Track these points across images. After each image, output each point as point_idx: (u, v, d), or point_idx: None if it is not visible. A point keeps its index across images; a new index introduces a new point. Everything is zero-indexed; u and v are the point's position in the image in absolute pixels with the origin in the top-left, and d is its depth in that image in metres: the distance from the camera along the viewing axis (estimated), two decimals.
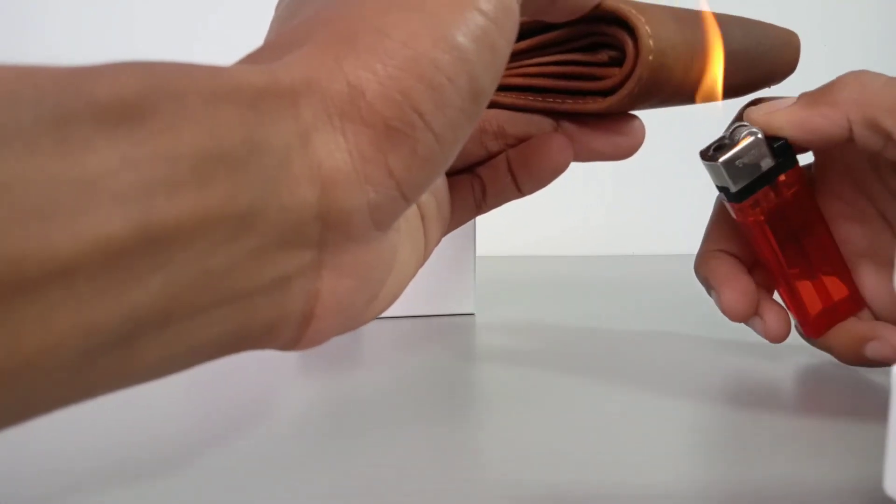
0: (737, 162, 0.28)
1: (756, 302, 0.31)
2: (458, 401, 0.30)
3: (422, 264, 0.23)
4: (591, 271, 0.65)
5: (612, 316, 0.46)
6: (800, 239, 0.31)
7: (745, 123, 0.28)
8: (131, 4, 0.70)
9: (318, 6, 0.18)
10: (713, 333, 0.41)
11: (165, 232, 0.13)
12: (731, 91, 0.28)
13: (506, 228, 0.75)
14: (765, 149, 0.28)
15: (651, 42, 0.23)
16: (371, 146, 0.16)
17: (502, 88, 0.26)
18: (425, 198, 0.23)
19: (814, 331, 0.32)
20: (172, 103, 0.13)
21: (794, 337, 0.32)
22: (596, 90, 0.25)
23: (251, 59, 0.17)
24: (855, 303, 0.32)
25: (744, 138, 0.28)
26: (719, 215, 0.33)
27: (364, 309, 0.19)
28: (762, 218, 0.30)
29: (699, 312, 0.46)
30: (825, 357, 0.34)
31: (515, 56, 0.26)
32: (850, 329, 0.31)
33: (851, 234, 0.31)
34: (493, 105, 0.26)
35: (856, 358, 0.31)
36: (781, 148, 0.28)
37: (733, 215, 0.31)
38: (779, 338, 0.31)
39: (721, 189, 0.30)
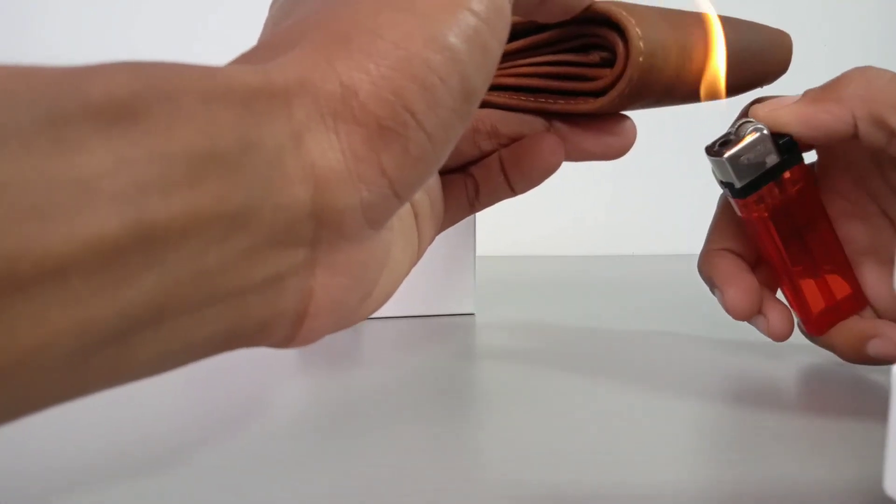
0: (742, 158, 0.28)
1: (759, 300, 0.31)
2: (458, 401, 0.30)
3: (415, 262, 0.23)
4: (591, 271, 0.65)
5: (613, 316, 0.46)
6: (803, 236, 0.31)
7: (751, 120, 0.29)
8: (131, 4, 0.70)
9: (312, 7, 0.18)
10: (713, 333, 0.41)
11: (159, 231, 0.13)
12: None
13: (506, 228, 0.75)
14: (770, 145, 0.28)
15: (641, 44, 0.23)
16: (364, 145, 0.16)
17: (494, 88, 0.27)
18: (419, 196, 0.24)
19: (816, 329, 0.32)
20: (166, 103, 0.13)
21: (795, 336, 0.32)
22: (587, 91, 0.25)
23: (245, 58, 0.17)
24: (857, 301, 0.32)
25: (749, 134, 0.28)
26: (723, 214, 0.33)
27: (358, 307, 0.19)
28: (766, 214, 0.30)
29: (699, 312, 0.46)
30: (826, 357, 0.34)
31: (508, 56, 0.26)
32: (852, 327, 0.31)
33: (854, 232, 0.31)
34: (485, 105, 0.26)
35: (858, 356, 0.31)
36: (786, 144, 0.29)
37: (738, 212, 0.31)
38: (782, 336, 0.31)
39: (726, 185, 0.30)
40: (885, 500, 0.17)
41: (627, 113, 0.27)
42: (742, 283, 0.31)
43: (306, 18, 0.17)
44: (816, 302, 0.31)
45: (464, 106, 0.17)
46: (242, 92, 0.14)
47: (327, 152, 0.16)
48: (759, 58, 0.29)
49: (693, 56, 0.25)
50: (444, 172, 0.26)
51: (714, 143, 0.29)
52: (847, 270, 0.32)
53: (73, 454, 0.24)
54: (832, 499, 0.21)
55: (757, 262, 0.33)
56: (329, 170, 0.16)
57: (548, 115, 0.26)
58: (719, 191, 0.33)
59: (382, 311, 0.43)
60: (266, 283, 0.15)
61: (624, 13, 0.23)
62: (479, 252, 0.46)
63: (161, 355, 0.14)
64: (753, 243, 0.32)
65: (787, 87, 0.32)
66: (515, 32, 0.26)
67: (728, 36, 0.27)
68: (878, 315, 0.32)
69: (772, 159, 0.29)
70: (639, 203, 0.79)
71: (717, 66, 0.26)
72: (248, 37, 0.19)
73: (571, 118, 0.26)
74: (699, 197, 0.79)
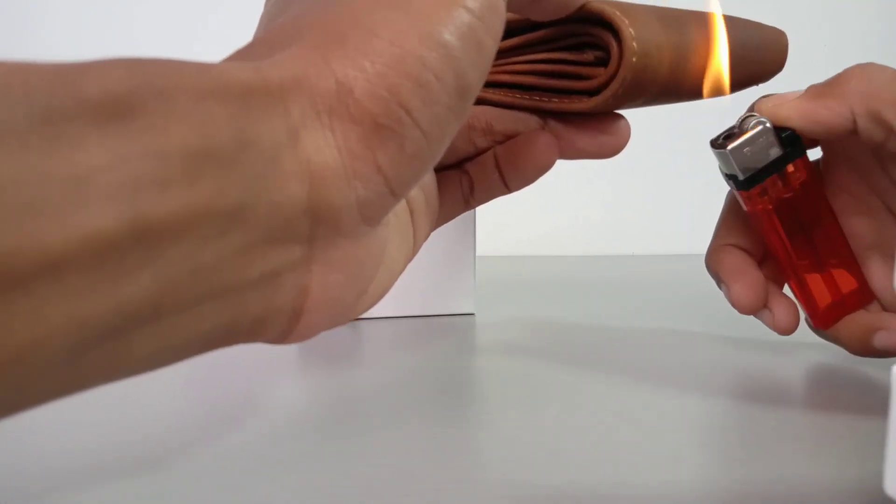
0: (745, 150, 0.29)
1: (765, 295, 0.32)
2: (458, 401, 0.30)
3: (411, 259, 0.24)
4: (591, 271, 0.65)
5: (613, 316, 0.46)
6: (808, 231, 0.31)
7: (755, 114, 0.29)
8: (131, 4, 0.70)
9: (307, 4, 0.18)
10: (714, 333, 0.41)
11: (155, 228, 0.13)
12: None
13: (506, 228, 0.75)
14: (772, 138, 0.29)
15: (635, 44, 0.23)
16: (359, 143, 0.16)
17: (489, 85, 0.27)
18: (414, 193, 0.24)
19: (823, 323, 0.32)
20: (162, 100, 0.13)
21: (799, 334, 0.32)
22: (581, 90, 0.25)
23: (240, 55, 0.17)
24: (864, 295, 0.32)
25: (752, 128, 0.29)
26: (730, 210, 0.34)
27: (354, 303, 0.19)
28: (770, 207, 0.30)
29: (700, 312, 0.46)
30: (829, 355, 0.34)
31: (503, 53, 0.26)
32: (858, 320, 0.32)
33: (859, 227, 0.32)
34: (480, 101, 0.26)
35: (864, 349, 0.31)
36: (789, 138, 0.29)
37: (743, 205, 0.31)
38: (787, 330, 0.32)
39: (730, 177, 0.31)
40: (885, 500, 0.17)
41: (625, 112, 0.27)
42: (748, 277, 0.32)
43: (302, 15, 0.18)
44: (823, 296, 0.32)
45: (459, 103, 0.17)
46: (238, 89, 0.14)
47: (323, 149, 0.16)
48: (755, 56, 0.29)
49: (688, 55, 0.25)
50: (440, 169, 0.27)
51: (718, 137, 0.30)
52: (853, 265, 0.32)
53: (72, 453, 0.24)
54: (832, 499, 0.21)
55: (764, 258, 0.33)
56: (325, 167, 0.16)
57: (542, 114, 0.26)
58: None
59: (382, 311, 0.44)
60: (262, 280, 0.16)
61: (618, 13, 0.23)
62: (479, 252, 0.46)
63: (158, 351, 0.14)
64: (760, 238, 0.33)
65: (787, 87, 0.32)
66: (510, 30, 0.26)
67: (729, 32, 0.27)
68: (885, 309, 0.32)
69: (774, 152, 0.29)
70: (639, 203, 0.79)
71: (721, 62, 0.26)
72: (247, 37, 0.19)
73: (566, 116, 0.26)
74: (699, 197, 0.79)
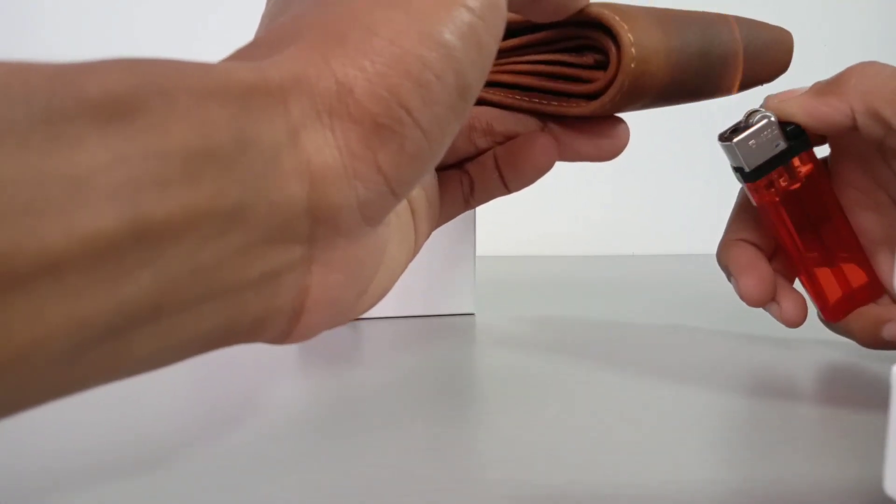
0: (750, 143, 0.30)
1: (773, 288, 0.32)
2: (458, 401, 0.30)
3: (412, 259, 0.24)
4: (591, 271, 0.65)
5: (613, 316, 0.46)
6: (817, 225, 0.32)
7: (761, 109, 0.31)
8: (131, 4, 0.70)
9: (308, 3, 0.18)
10: (714, 333, 0.41)
11: (155, 228, 0.13)
12: (720, 89, 0.28)
13: (506, 228, 0.75)
14: (777, 131, 0.30)
15: (633, 50, 0.23)
16: (360, 143, 0.16)
17: (489, 84, 0.27)
18: (416, 192, 0.24)
19: (833, 316, 0.33)
20: (162, 100, 0.13)
21: (800, 331, 0.32)
22: (580, 93, 0.25)
23: (240, 54, 0.17)
24: (874, 289, 0.33)
25: (757, 121, 0.30)
26: (741, 207, 0.35)
27: (354, 303, 0.19)
28: (777, 199, 0.31)
29: (700, 312, 0.46)
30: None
31: (503, 53, 0.26)
32: (868, 313, 0.32)
33: (868, 222, 0.32)
34: (479, 102, 0.26)
35: (874, 341, 0.32)
36: (794, 132, 0.30)
37: (751, 198, 0.32)
38: (794, 322, 0.32)
39: (737, 170, 0.32)
40: (885, 500, 0.17)
41: (625, 113, 0.27)
42: (756, 271, 0.32)
43: (302, 15, 0.18)
44: (833, 290, 0.32)
45: (459, 102, 0.17)
46: (238, 89, 0.14)
47: (323, 149, 0.16)
48: (759, 58, 0.29)
49: (691, 57, 0.25)
50: (440, 169, 0.27)
51: (725, 131, 0.31)
52: (862, 259, 0.33)
53: (73, 453, 0.24)
54: (832, 499, 0.21)
55: (774, 254, 0.34)
56: (325, 167, 0.16)
57: (542, 116, 0.26)
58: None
59: (383, 311, 0.44)
60: (262, 280, 0.16)
61: (617, 18, 0.23)
62: (479, 252, 0.46)
63: (158, 351, 0.14)
64: (770, 234, 0.33)
65: (787, 87, 0.32)
66: (511, 30, 0.26)
67: (727, 34, 0.27)
68: (895, 302, 0.32)
69: (780, 145, 0.30)
70: (639, 203, 0.79)
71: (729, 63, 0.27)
72: (247, 37, 0.19)
73: (565, 119, 0.26)
74: (699, 197, 0.79)
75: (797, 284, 0.34)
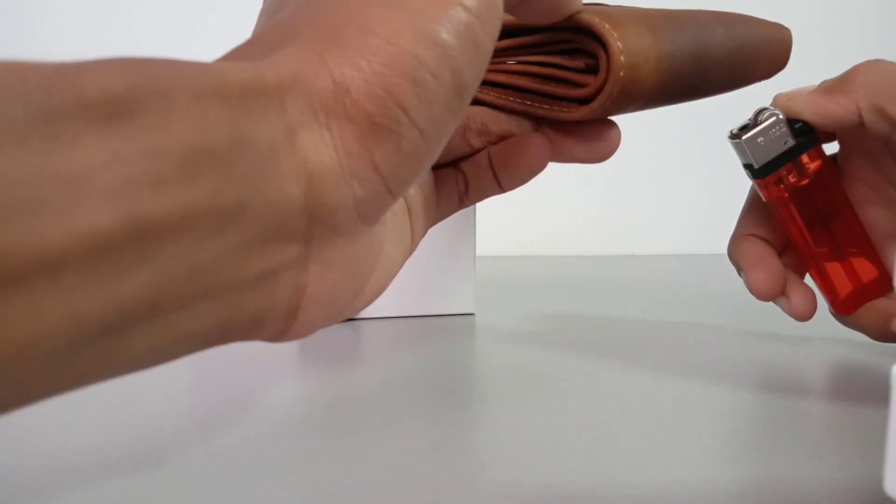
0: (758, 140, 0.31)
1: (783, 282, 0.33)
2: (457, 401, 0.30)
3: (408, 256, 0.24)
4: (591, 271, 0.65)
5: (613, 316, 0.46)
6: (826, 222, 0.33)
7: (769, 107, 0.31)
8: (131, 4, 0.70)
9: (304, 1, 0.18)
10: (714, 333, 0.41)
11: (152, 226, 0.13)
12: (714, 88, 0.28)
13: (506, 228, 0.75)
14: (785, 129, 0.31)
15: (622, 58, 0.23)
16: (356, 142, 0.16)
17: (484, 83, 0.27)
18: (412, 191, 0.24)
19: (843, 310, 0.33)
20: (160, 100, 0.13)
21: (805, 328, 0.32)
22: (572, 98, 0.25)
23: (237, 53, 0.17)
24: (884, 283, 0.33)
25: (766, 119, 0.31)
26: (752, 203, 0.35)
27: (350, 301, 0.19)
28: (786, 195, 0.32)
29: (700, 312, 0.46)
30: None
31: (497, 53, 0.26)
32: (878, 306, 0.33)
33: (877, 217, 0.33)
34: (473, 101, 0.27)
35: (884, 334, 0.32)
36: (802, 129, 0.31)
37: (760, 195, 0.33)
38: (803, 316, 0.33)
39: (747, 167, 0.32)
40: (885, 500, 0.17)
41: (624, 114, 0.27)
42: (766, 265, 0.33)
43: (298, 13, 0.18)
44: (843, 284, 0.33)
45: (456, 101, 0.17)
46: (236, 89, 0.15)
47: (320, 149, 0.16)
48: (755, 56, 0.29)
49: (683, 60, 0.26)
50: (436, 167, 0.27)
51: (735, 129, 0.32)
52: (873, 254, 0.33)
53: (72, 453, 0.24)
54: (832, 499, 0.21)
55: (784, 249, 0.34)
56: (322, 166, 0.16)
57: (534, 119, 0.27)
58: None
59: (383, 311, 0.44)
60: (259, 278, 0.16)
61: (607, 26, 0.23)
62: (479, 252, 0.46)
63: (155, 349, 0.14)
64: (780, 230, 0.34)
65: (786, 86, 0.32)
66: (505, 32, 0.26)
67: (720, 34, 0.27)
68: None
69: (788, 142, 0.31)
70: (639, 203, 0.79)
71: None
72: (247, 37, 0.19)
73: (557, 123, 0.26)
74: (699, 197, 0.79)
75: (808, 280, 0.34)
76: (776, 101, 0.31)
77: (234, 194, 0.14)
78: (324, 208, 0.16)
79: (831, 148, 0.33)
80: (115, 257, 0.12)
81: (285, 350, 0.36)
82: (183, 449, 0.24)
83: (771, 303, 0.34)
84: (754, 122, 0.31)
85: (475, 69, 0.17)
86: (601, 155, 0.27)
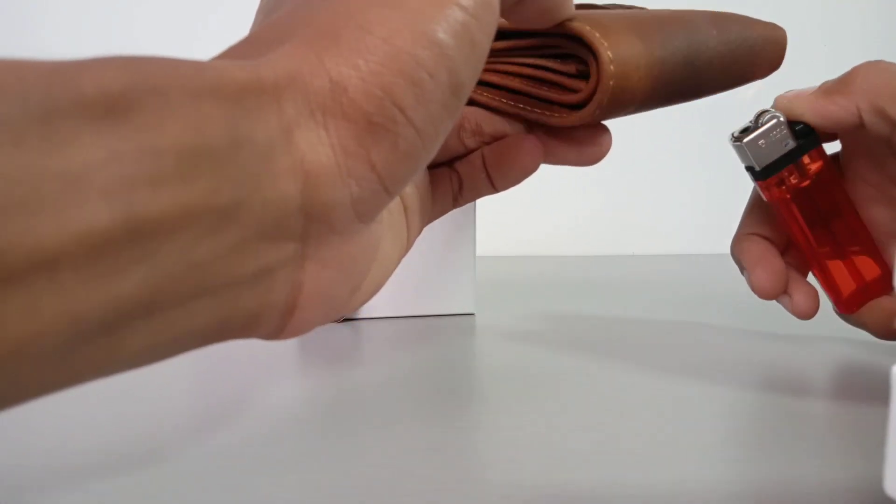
0: (759, 142, 0.31)
1: (785, 281, 0.33)
2: (457, 401, 0.30)
3: (404, 255, 0.24)
4: (591, 271, 0.65)
5: (613, 316, 0.46)
6: (828, 222, 0.33)
7: (770, 109, 0.31)
8: (131, 4, 0.70)
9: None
10: (714, 333, 0.40)
11: (149, 225, 0.13)
12: (708, 90, 0.28)
13: (506, 228, 0.75)
14: (786, 131, 0.31)
15: (612, 67, 0.23)
16: (353, 141, 0.16)
17: (478, 83, 0.27)
18: (408, 189, 0.24)
19: (847, 308, 0.34)
20: (157, 98, 0.13)
21: (806, 327, 0.32)
22: (563, 103, 0.25)
23: (234, 51, 0.17)
24: (887, 282, 0.33)
25: (766, 121, 0.31)
26: (754, 202, 0.35)
27: (347, 299, 0.19)
28: (788, 196, 0.32)
29: (700, 312, 0.46)
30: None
31: (492, 53, 0.26)
32: (881, 305, 0.33)
33: (879, 216, 0.33)
34: (468, 102, 0.27)
35: (887, 332, 0.33)
36: (803, 130, 0.31)
37: (762, 196, 0.33)
38: (805, 314, 0.33)
39: (748, 169, 0.33)
40: (885, 500, 0.17)
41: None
42: (768, 264, 0.33)
43: (296, 12, 0.18)
44: (846, 283, 0.33)
45: (452, 100, 0.17)
46: (233, 87, 0.15)
47: (317, 147, 0.16)
48: (749, 57, 0.29)
49: (675, 65, 0.26)
50: (431, 167, 0.27)
51: (736, 132, 0.32)
52: (875, 253, 0.33)
53: (72, 452, 0.24)
54: (832, 499, 0.21)
55: (787, 248, 0.35)
56: (318, 165, 0.16)
57: (527, 122, 0.27)
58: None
59: (383, 311, 0.44)
60: (256, 276, 0.16)
61: (597, 35, 0.23)
62: (479, 252, 0.46)
63: (152, 346, 0.14)
64: (782, 229, 0.34)
65: (786, 87, 0.32)
66: (501, 34, 0.26)
67: (713, 36, 0.27)
68: None
69: (789, 144, 0.31)
70: (639, 203, 0.79)
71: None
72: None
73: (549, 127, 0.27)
74: (699, 197, 0.79)
75: (811, 279, 0.34)
76: (776, 103, 0.32)
77: (231, 193, 0.14)
78: (320, 207, 0.16)
79: (833, 147, 0.33)
80: (113, 256, 0.12)
81: (285, 350, 0.36)
82: (183, 448, 0.24)
83: (770, 303, 0.34)
84: (755, 124, 0.31)
85: (472, 69, 0.17)
86: (591, 159, 0.27)
